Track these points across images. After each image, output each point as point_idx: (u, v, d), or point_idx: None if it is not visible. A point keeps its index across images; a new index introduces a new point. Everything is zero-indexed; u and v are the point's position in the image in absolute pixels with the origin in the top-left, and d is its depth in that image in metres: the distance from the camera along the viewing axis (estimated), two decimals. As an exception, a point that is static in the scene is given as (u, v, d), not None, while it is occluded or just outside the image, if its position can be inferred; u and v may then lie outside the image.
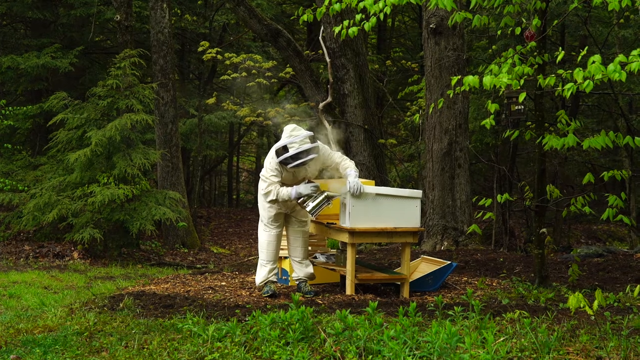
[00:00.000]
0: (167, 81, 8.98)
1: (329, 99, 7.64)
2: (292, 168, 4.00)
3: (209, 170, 16.27)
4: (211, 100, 9.20)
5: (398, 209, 4.05)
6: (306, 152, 3.95)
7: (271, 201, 4.10)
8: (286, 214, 4.25)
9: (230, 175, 16.30)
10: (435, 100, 6.47)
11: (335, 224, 4.19)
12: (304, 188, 4.00)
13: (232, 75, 8.57)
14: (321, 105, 7.55)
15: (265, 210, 4.21)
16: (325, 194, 3.98)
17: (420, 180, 8.83)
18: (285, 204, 4.16)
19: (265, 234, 4.22)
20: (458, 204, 6.68)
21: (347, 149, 7.68)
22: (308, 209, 3.99)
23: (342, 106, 7.88)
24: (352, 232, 4.00)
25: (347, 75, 7.81)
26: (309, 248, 4.87)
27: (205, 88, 12.42)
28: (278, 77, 9.09)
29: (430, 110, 6.49)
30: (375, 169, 7.74)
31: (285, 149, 3.95)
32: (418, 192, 4.13)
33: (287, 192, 4.03)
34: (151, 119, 7.62)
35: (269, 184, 4.08)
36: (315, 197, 3.98)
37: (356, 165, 4.43)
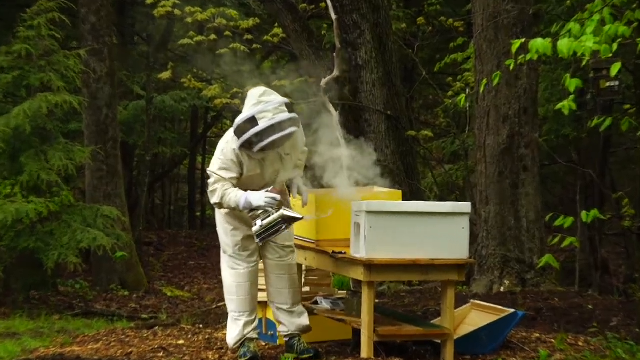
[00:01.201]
0: (102, 47, 8.99)
1: (336, 72, 7.62)
2: (261, 152, 3.88)
3: (162, 175, 16.29)
4: (165, 75, 9.19)
5: (436, 232, 4.02)
6: (282, 125, 3.85)
7: (216, 205, 4.00)
8: None
9: (193, 183, 16.30)
10: (489, 75, 6.44)
11: (345, 253, 4.15)
12: (257, 197, 3.90)
13: (195, 39, 8.56)
14: (324, 81, 7.52)
15: (227, 235, 4.12)
16: (283, 212, 3.87)
17: (468, 189, 8.78)
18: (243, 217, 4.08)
19: (231, 272, 4.12)
20: (524, 225, 6.63)
21: (364, 144, 7.65)
22: (254, 229, 3.91)
23: (354, 83, 7.85)
24: (370, 266, 3.96)
25: (361, 39, 7.80)
26: (307, 289, 4.82)
27: (157, 57, 12.43)
28: (262, 41, 9.08)
29: (482, 88, 6.45)
30: (403, 173, 7.72)
31: (252, 121, 3.84)
32: (465, 207, 4.09)
33: (236, 196, 3.93)
34: (78, 101, 7.62)
35: (215, 180, 3.98)
36: (269, 213, 3.89)
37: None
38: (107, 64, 9.04)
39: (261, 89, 3.97)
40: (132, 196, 12.67)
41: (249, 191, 3.95)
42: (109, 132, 9.04)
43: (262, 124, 3.81)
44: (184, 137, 15.84)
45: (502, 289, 6.46)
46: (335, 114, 7.42)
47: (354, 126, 7.77)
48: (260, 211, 3.89)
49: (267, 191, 3.93)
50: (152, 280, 9.53)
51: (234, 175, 3.97)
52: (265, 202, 3.89)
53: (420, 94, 13.91)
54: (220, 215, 4.20)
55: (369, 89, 7.79)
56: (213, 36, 8.50)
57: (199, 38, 8.57)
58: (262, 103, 3.88)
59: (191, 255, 12.21)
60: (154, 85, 11.65)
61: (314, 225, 4.31)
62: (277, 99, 3.93)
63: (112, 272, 8.77)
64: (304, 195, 4.14)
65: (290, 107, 3.95)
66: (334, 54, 7.74)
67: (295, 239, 4.51)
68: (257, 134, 3.82)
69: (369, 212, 3.96)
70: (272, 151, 3.95)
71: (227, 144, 3.99)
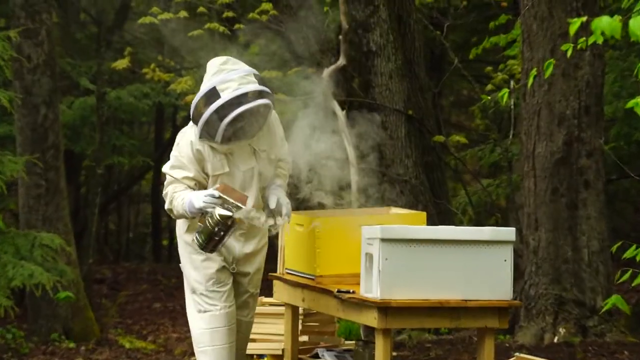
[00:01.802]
0: (38, 27, 9.01)
1: (342, 60, 7.68)
2: (227, 141, 3.92)
3: (118, 193, 16.32)
4: (122, 64, 9.23)
5: (471, 266, 4.06)
6: (250, 96, 3.89)
7: (169, 212, 4.08)
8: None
9: (158, 203, 16.30)
10: (541, 63, 6.47)
11: (353, 292, 4.19)
12: (197, 197, 3.94)
13: (160, 17, 8.61)
14: (327, 72, 7.58)
15: (197, 268, 4.17)
16: (217, 212, 3.89)
17: (512, 211, 8.79)
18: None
19: (204, 316, 4.14)
20: (585, 257, 6.64)
21: (378, 154, 7.68)
22: (195, 239, 3.98)
23: (365, 74, 7.90)
24: (385, 309, 4.00)
25: (374, 17, 7.85)
26: (305, 338, 4.85)
27: (111, 41, 12.49)
28: (247, 20, 9.10)
29: (531, 81, 6.44)
30: (428, 189, 7.75)
31: (213, 95, 3.88)
32: (508, 234, 4.13)
33: (183, 199, 3.99)
34: (7, 97, 7.63)
35: (168, 181, 4.06)
36: (210, 215, 3.92)
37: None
38: (46, 49, 9.04)
39: (223, 57, 4.01)
40: (79, 220, 12.67)
41: (195, 191, 4.01)
42: (48, 137, 9.04)
43: (225, 96, 3.86)
44: (146, 144, 15.88)
45: (555, 339, 6.46)
46: (341, 115, 7.46)
47: (366, 130, 7.80)
48: (202, 214, 3.94)
49: (214, 189, 3.97)
50: (106, 327, 9.52)
51: (188, 174, 4.03)
52: (204, 203, 3.89)
53: (451, 89, 13.94)
54: (184, 245, 4.26)
55: (385, 82, 7.83)
56: (183, 13, 8.54)
57: (165, 15, 8.60)
58: (225, 71, 3.93)
59: (156, 295, 12.18)
60: (107, 77, 11.69)
61: (313, 256, 4.35)
62: (244, 67, 3.99)
63: (53, 317, 8.74)
64: (284, 207, 4.15)
65: (261, 80, 3.99)
66: (340, 36, 7.80)
67: (290, 273, 4.55)
68: (219, 110, 3.85)
69: (384, 240, 3.99)
70: (242, 143, 3.98)
71: (184, 135, 4.07)
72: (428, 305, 4.03)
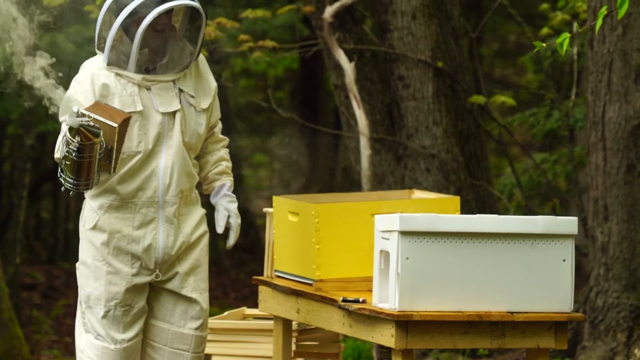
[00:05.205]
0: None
1: (348, -5, 7.67)
2: (143, 67, 4.08)
3: (53, 171, 16.29)
4: (57, -1, 9.24)
5: (518, 268, 4.09)
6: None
7: (58, 162, 4.05)
8: (151, 283, 4.24)
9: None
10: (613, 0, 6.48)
11: (364, 301, 4.22)
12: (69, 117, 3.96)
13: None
14: (330, 11, 7.57)
15: (99, 279, 4.23)
16: (80, 119, 3.89)
17: (574, 196, 8.80)
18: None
19: (94, 346, 4.17)
20: (670, 256, 6.69)
21: (397, 121, 7.69)
22: (61, 179, 3.98)
23: (381, 14, 7.91)
24: (406, 323, 4.03)
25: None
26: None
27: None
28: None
29: (600, 22, 6.45)
30: (463, 166, 7.77)
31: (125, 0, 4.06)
32: (568, 225, 4.16)
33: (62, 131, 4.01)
34: None
35: (61, 132, 4.07)
36: (66, 139, 3.92)
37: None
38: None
39: None
40: (1, 207, 12.69)
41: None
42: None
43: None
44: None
45: (630, 364, 6.54)
46: (348, 69, 7.45)
47: (381, 88, 7.81)
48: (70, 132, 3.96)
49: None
50: (38, 347, 9.56)
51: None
52: (66, 125, 3.89)
53: (494, 33, 13.94)
54: (88, 245, 4.36)
55: (406, 23, 7.82)
56: None
57: None
58: None
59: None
60: (39, 11, 11.67)
61: (311, 254, 4.36)
62: None
63: (-32, 334, 8.81)
64: (232, 232, 4.30)
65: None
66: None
67: (280, 277, 4.58)
68: (133, 15, 4.03)
69: (404, 234, 4.02)
70: (164, 77, 4.10)
71: (84, 68, 4.25)
72: (462, 320, 4.05)
